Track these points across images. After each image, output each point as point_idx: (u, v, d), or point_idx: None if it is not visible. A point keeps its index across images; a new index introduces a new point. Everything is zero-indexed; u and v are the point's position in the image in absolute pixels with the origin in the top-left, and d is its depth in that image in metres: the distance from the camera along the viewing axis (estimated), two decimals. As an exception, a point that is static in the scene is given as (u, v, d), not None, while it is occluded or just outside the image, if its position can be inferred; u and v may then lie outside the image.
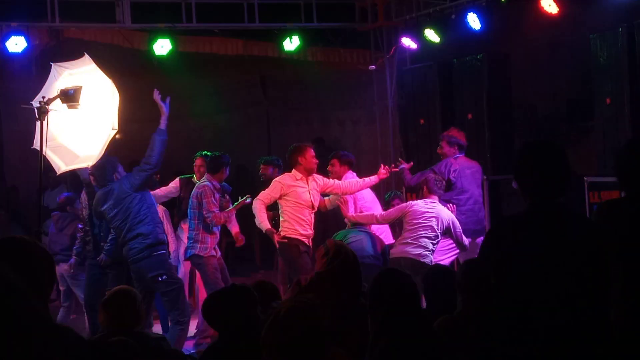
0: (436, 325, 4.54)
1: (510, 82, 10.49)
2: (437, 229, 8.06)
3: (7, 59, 10.50)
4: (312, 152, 8.55)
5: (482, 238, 7.82)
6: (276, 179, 8.60)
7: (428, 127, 10.96)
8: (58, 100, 7.23)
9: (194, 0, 10.96)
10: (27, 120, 7.96)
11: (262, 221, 8.25)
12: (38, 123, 7.17)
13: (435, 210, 8.11)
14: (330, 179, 8.72)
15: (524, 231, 3.52)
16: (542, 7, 9.36)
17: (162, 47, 10.73)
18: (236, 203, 8.75)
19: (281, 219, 8.47)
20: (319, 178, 8.62)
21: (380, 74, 12.19)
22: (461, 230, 8.20)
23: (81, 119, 7.60)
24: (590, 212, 8.62)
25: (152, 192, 8.44)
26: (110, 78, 7.56)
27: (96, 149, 7.61)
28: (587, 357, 3.41)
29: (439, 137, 9.35)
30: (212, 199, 8.43)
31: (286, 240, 8.38)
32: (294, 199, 8.38)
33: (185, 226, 8.82)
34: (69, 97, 7.22)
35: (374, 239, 8.49)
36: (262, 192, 8.48)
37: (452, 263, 8.40)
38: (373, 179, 8.77)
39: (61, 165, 7.69)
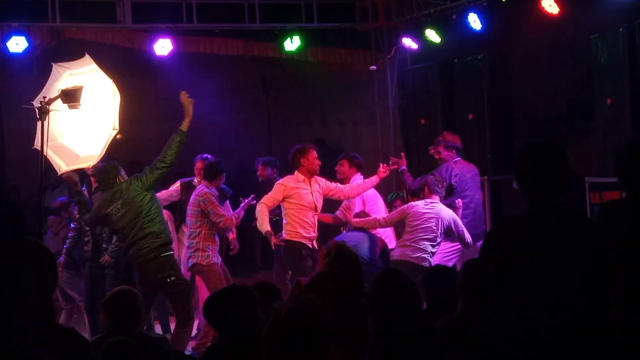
0: (437, 326, 4.54)
1: (511, 82, 10.49)
2: (438, 230, 8.06)
3: (8, 59, 10.50)
4: (314, 153, 8.55)
5: (481, 242, 7.84)
6: (279, 181, 8.59)
7: (429, 128, 10.95)
8: (59, 101, 7.24)
9: (194, 1, 10.96)
10: (28, 121, 7.95)
11: (263, 223, 8.25)
12: (39, 123, 7.18)
13: (435, 211, 8.11)
14: (333, 183, 8.70)
15: (524, 231, 3.53)
16: (543, 8, 9.35)
17: (163, 47, 10.73)
18: (242, 204, 8.75)
19: (284, 221, 8.46)
20: (321, 180, 8.61)
21: (381, 74, 12.19)
22: (464, 228, 8.20)
23: (82, 119, 7.61)
24: (591, 212, 8.62)
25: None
26: (111, 78, 7.57)
27: (97, 149, 7.61)
28: (587, 357, 3.41)
29: (434, 142, 9.31)
30: (217, 203, 8.42)
31: (287, 244, 8.39)
32: (297, 201, 8.37)
33: (186, 229, 8.79)
34: (70, 97, 7.23)
35: (372, 242, 8.47)
36: (266, 195, 8.47)
37: (454, 265, 8.39)
38: (374, 180, 8.79)
39: (62, 166, 7.69)
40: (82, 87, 7.29)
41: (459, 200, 8.51)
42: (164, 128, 13.03)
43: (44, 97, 7.22)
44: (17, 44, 10.05)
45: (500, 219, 8.87)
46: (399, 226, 8.77)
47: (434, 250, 8.08)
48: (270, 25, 11.49)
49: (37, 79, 8.23)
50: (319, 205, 8.53)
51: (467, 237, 8.21)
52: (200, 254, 8.33)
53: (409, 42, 11.25)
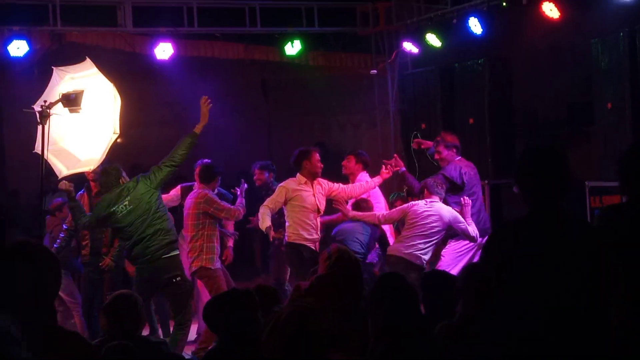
0: (437, 330, 4.54)
1: (511, 86, 10.49)
2: (436, 227, 8.07)
3: (9, 63, 10.51)
4: (317, 156, 8.57)
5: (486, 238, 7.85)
6: (281, 184, 8.60)
7: (429, 132, 10.94)
8: (60, 105, 7.24)
9: (195, 5, 10.98)
10: (29, 124, 7.95)
11: (264, 221, 8.24)
12: (40, 127, 7.18)
13: (434, 209, 8.14)
14: (335, 183, 8.71)
15: (525, 232, 3.54)
16: (544, 12, 9.37)
17: (164, 51, 10.74)
18: (239, 192, 8.74)
19: (286, 223, 8.47)
20: (324, 182, 8.63)
21: (381, 78, 12.20)
22: (466, 225, 8.18)
23: (83, 123, 7.60)
24: (592, 216, 8.61)
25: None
26: (111, 82, 7.57)
27: (97, 153, 7.61)
28: (588, 357, 3.41)
29: (433, 142, 9.30)
30: (219, 200, 8.42)
31: (289, 246, 8.40)
32: (299, 203, 8.38)
33: (185, 233, 8.77)
34: (71, 101, 7.23)
35: (366, 231, 8.46)
36: (268, 198, 8.49)
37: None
38: (377, 180, 8.89)
39: (63, 170, 7.69)
40: (82, 91, 7.29)
41: (465, 197, 8.49)
42: (164, 132, 13.09)
43: (45, 101, 7.22)
44: (18, 48, 10.07)
45: (501, 223, 8.87)
46: (400, 227, 8.78)
47: (427, 247, 8.07)
48: (271, 29, 11.51)
49: (38, 83, 8.23)
50: (322, 207, 8.54)
51: (472, 230, 8.18)
52: (205, 256, 8.28)
53: (409, 47, 11.26)
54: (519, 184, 3.63)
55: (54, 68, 7.77)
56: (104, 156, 7.59)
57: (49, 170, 7.63)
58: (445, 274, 5.71)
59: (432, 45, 10.93)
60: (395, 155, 9.46)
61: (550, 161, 3.59)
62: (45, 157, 7.17)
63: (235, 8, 11.38)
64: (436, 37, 10.81)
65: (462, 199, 8.44)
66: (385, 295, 4.48)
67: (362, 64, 12.38)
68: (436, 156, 9.02)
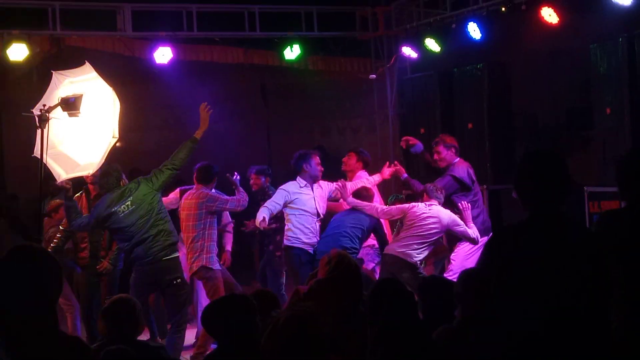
0: (436, 335, 4.54)
1: (510, 91, 10.51)
2: (434, 229, 8.08)
3: (8, 66, 10.51)
4: (317, 159, 8.58)
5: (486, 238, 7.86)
6: (281, 187, 8.61)
7: (428, 136, 10.95)
8: (59, 108, 7.24)
9: (194, 9, 10.99)
10: (28, 128, 7.96)
11: (259, 217, 8.24)
12: (39, 131, 7.17)
13: (433, 212, 8.15)
14: (334, 183, 8.71)
15: (525, 235, 3.55)
16: (543, 17, 9.38)
17: (163, 55, 10.74)
18: (235, 179, 8.75)
19: (285, 226, 8.48)
20: (323, 184, 8.64)
21: (380, 83, 12.21)
22: (465, 227, 8.18)
23: (82, 127, 7.60)
24: (590, 222, 8.62)
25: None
26: (111, 86, 7.56)
27: (97, 157, 7.60)
28: (587, 358, 3.42)
29: (432, 143, 9.27)
30: (219, 195, 8.44)
31: (287, 250, 8.41)
32: (299, 207, 8.39)
33: (184, 234, 8.77)
34: (70, 105, 7.22)
35: (358, 220, 8.42)
36: (268, 200, 8.51)
37: None
38: (376, 178, 8.98)
39: (61, 173, 7.68)
40: (82, 95, 7.28)
41: (464, 202, 8.49)
42: (164, 136, 13.10)
43: (44, 105, 7.22)
44: (17, 52, 10.06)
45: (500, 227, 8.87)
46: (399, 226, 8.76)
47: (421, 248, 8.08)
48: (270, 34, 11.51)
49: (37, 87, 8.24)
50: (322, 211, 8.54)
51: (471, 233, 8.19)
52: (205, 255, 8.30)
53: (408, 51, 11.27)
54: (519, 188, 3.63)
55: (53, 72, 7.76)
56: (103, 160, 7.59)
57: (48, 174, 7.62)
58: (443, 280, 5.71)
59: (431, 50, 10.94)
60: (396, 162, 9.44)
61: (551, 164, 3.60)
62: (44, 161, 7.16)
63: (234, 12, 11.39)
64: (435, 42, 10.82)
65: (460, 204, 8.44)
66: (383, 299, 4.48)
67: (361, 68, 12.39)
68: (435, 156, 9.00)
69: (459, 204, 8.44)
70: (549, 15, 9.33)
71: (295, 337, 3.66)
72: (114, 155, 7.79)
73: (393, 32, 11.87)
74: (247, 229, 9.54)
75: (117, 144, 7.72)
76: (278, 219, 9.19)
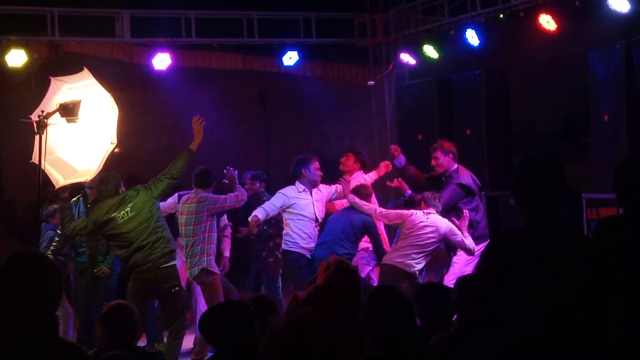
0: (434, 341, 4.54)
1: (508, 98, 10.52)
2: (432, 239, 8.06)
3: (6, 72, 10.51)
4: (316, 164, 8.59)
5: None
6: (280, 190, 8.62)
7: (426, 143, 10.96)
8: (57, 114, 7.24)
9: (193, 15, 11.00)
10: (26, 134, 7.95)
11: (254, 213, 8.25)
12: (37, 137, 7.18)
13: (431, 220, 8.13)
14: (332, 185, 8.72)
15: (524, 237, 3.56)
16: (541, 24, 9.40)
17: (162, 61, 10.75)
18: (231, 174, 8.74)
19: (284, 231, 8.49)
20: (322, 187, 8.64)
21: (378, 89, 12.22)
22: (462, 237, 8.16)
23: (80, 133, 7.60)
24: (588, 228, 8.62)
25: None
26: (109, 92, 7.57)
27: (95, 163, 7.60)
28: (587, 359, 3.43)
29: (431, 149, 9.24)
30: (218, 195, 8.46)
31: (285, 254, 8.42)
32: (297, 212, 8.40)
33: (184, 238, 8.76)
34: (68, 111, 7.22)
35: (350, 221, 8.39)
36: (266, 202, 8.53)
37: None
38: (372, 176, 8.98)
39: (59, 179, 7.67)
40: (80, 101, 7.29)
41: (466, 210, 8.48)
42: (162, 142, 13.12)
43: (42, 111, 7.22)
44: (16, 58, 10.06)
45: (498, 232, 8.88)
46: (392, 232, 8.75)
47: (419, 258, 8.06)
48: (268, 40, 11.53)
49: (35, 93, 8.24)
50: (320, 216, 8.55)
51: (468, 243, 8.17)
52: (206, 258, 8.30)
53: (407, 58, 11.29)
54: (517, 192, 3.63)
55: (51, 78, 7.77)
56: (101, 166, 7.59)
57: (46, 180, 7.62)
58: (439, 286, 5.71)
59: (429, 57, 10.96)
60: (399, 179, 9.35)
61: (548, 168, 3.61)
62: (42, 167, 7.16)
63: (233, 19, 11.41)
64: (433, 48, 10.84)
65: (464, 212, 8.43)
66: (382, 306, 4.48)
67: (359, 75, 12.41)
68: (433, 162, 8.98)
69: (464, 211, 8.41)
70: (547, 22, 9.35)
71: (294, 343, 3.65)
72: (112, 161, 7.79)
73: (391, 38, 11.88)
74: (241, 234, 9.56)
75: (116, 150, 7.73)
76: (273, 225, 9.22)
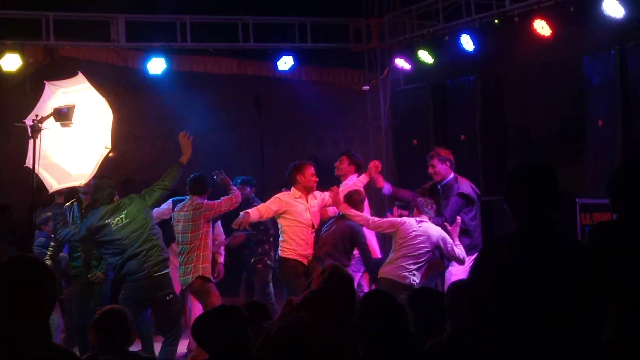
0: (427, 348, 4.54)
1: (503, 103, 10.51)
2: (424, 248, 8.03)
3: (1, 77, 10.50)
4: (311, 170, 8.58)
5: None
6: (276, 195, 8.62)
7: (421, 148, 10.96)
8: (51, 119, 7.24)
9: (188, 20, 11.00)
10: (20, 139, 7.94)
11: (247, 210, 8.24)
12: (31, 141, 7.17)
13: (423, 229, 8.10)
14: (324, 193, 8.71)
15: (517, 242, 3.56)
16: (535, 29, 9.40)
17: (157, 66, 10.75)
18: (221, 177, 8.77)
19: (280, 238, 8.49)
20: (317, 194, 8.64)
21: (373, 94, 12.23)
22: (453, 246, 8.13)
23: (74, 137, 7.60)
24: (582, 234, 8.62)
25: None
26: (104, 96, 7.57)
27: (89, 168, 7.60)
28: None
29: (428, 156, 9.23)
30: (212, 202, 8.44)
31: (283, 261, 8.41)
32: (293, 218, 8.39)
33: (176, 248, 8.75)
34: (63, 115, 7.22)
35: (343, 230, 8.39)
36: (261, 204, 8.52)
37: None
38: (363, 179, 8.92)
39: (53, 184, 7.67)
40: (74, 105, 7.29)
41: (458, 217, 8.47)
42: (157, 146, 13.09)
43: (37, 115, 7.22)
44: (10, 62, 10.05)
45: (492, 238, 8.88)
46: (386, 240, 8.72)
47: (415, 268, 8.04)
48: (264, 45, 11.54)
49: (30, 97, 8.23)
50: (316, 222, 8.54)
51: (458, 252, 8.14)
52: (201, 265, 8.30)
53: (402, 63, 11.30)
54: (510, 196, 3.64)
55: (46, 82, 7.77)
56: (95, 171, 7.58)
57: (40, 185, 7.61)
58: (432, 291, 5.70)
59: (424, 62, 10.97)
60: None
61: (541, 173, 3.62)
62: (36, 171, 7.16)
63: (228, 23, 11.41)
64: (428, 53, 10.86)
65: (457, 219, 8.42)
66: (374, 311, 4.48)
67: (354, 80, 12.42)
68: (430, 170, 8.97)
69: (457, 218, 8.39)
70: (542, 27, 9.36)
71: (288, 347, 3.65)
72: (106, 166, 7.79)
73: (386, 44, 11.89)
74: (231, 244, 9.58)
75: (110, 155, 7.73)
76: (262, 231, 9.24)
